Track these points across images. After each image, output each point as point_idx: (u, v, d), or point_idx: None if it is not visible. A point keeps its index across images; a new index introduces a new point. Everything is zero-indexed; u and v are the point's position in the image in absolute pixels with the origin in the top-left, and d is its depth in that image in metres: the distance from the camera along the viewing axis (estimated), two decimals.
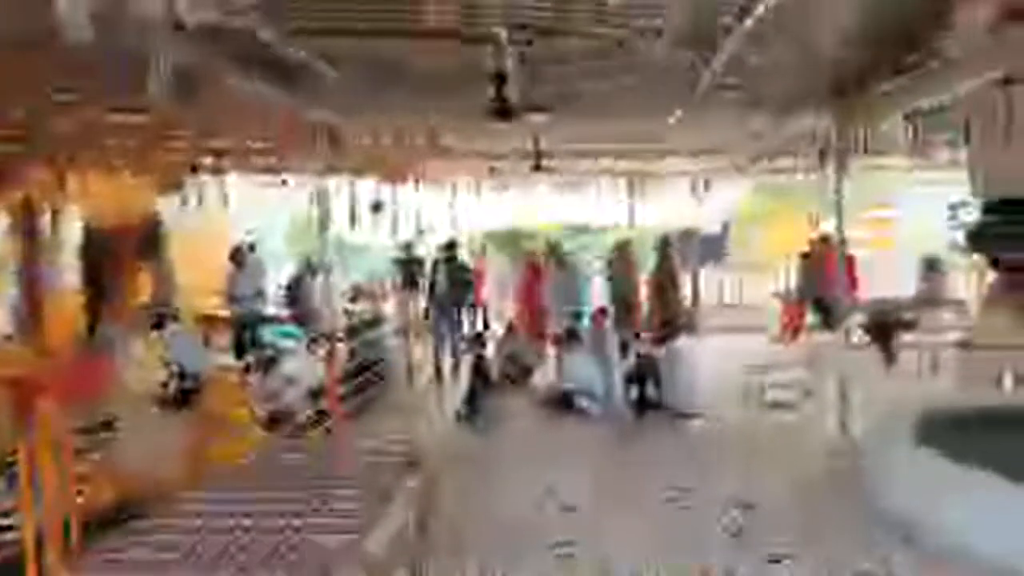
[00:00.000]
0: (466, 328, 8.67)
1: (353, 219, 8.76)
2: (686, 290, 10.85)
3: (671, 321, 8.55)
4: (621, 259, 9.39)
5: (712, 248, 13.86)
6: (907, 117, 5.51)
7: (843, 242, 6.77)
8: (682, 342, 8.47)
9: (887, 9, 4.02)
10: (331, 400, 5.71)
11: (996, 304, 5.33)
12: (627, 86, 5.23)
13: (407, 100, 6.03)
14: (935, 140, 6.39)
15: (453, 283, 7.86)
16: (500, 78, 4.32)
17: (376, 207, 8.71)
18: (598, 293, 9.28)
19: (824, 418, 6.16)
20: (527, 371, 8.28)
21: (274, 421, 5.37)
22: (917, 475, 4.26)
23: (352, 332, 7.35)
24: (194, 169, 8.46)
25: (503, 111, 4.38)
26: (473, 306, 9.80)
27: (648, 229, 11.73)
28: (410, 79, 5.44)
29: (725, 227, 14.80)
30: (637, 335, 8.35)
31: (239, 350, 8.02)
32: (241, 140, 7.60)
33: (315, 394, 5.99)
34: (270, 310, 9.95)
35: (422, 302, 8.43)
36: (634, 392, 6.91)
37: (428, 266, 8.47)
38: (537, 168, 8.01)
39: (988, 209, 4.74)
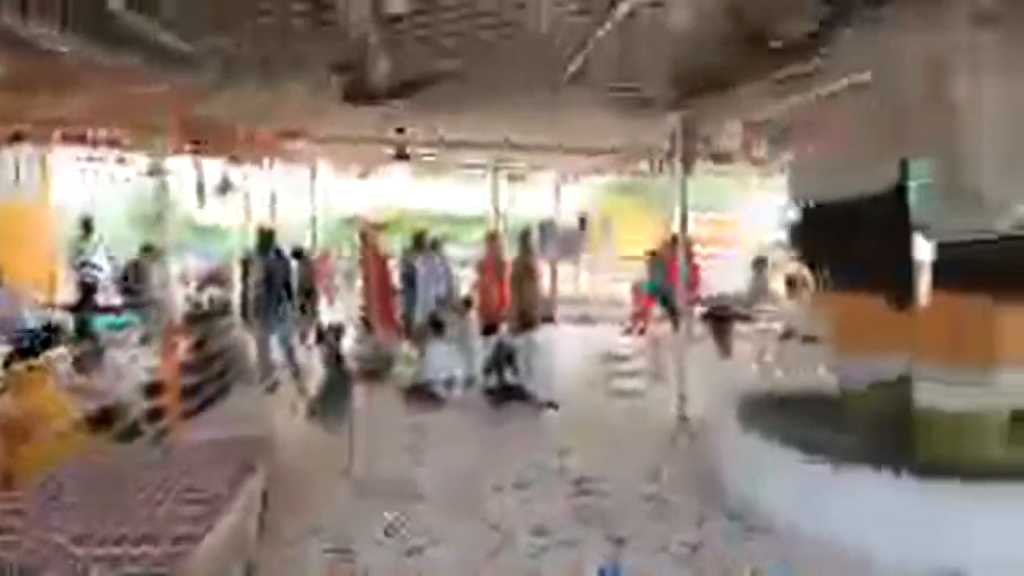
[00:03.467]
0: (294, 320, 7.96)
1: (201, 199, 8.20)
2: (544, 281, 11.18)
3: (529, 311, 8.75)
4: (489, 250, 9.52)
5: (570, 242, 14.33)
6: (748, 125, 6.01)
7: (687, 241, 7.30)
8: (540, 332, 8.74)
9: (741, 16, 4.36)
10: (169, 396, 5.32)
11: (813, 300, 5.93)
12: (492, 76, 5.28)
13: (262, 79, 5.74)
14: (772, 147, 7.00)
15: (269, 275, 7.06)
16: (358, 61, 4.19)
17: (223, 188, 8.17)
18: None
19: (666, 403, 6.57)
20: (387, 362, 8.16)
21: (100, 421, 4.88)
22: (737, 453, 4.71)
23: (195, 321, 6.84)
24: (16, 138, 7.59)
25: (358, 95, 4.26)
26: (310, 293, 9.19)
27: (512, 220, 11.95)
28: (267, 57, 5.19)
29: (583, 222, 15.35)
30: (494, 326, 8.51)
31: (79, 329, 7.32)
32: (76, 110, 6.90)
33: (151, 390, 5.53)
34: (100, 299, 9.16)
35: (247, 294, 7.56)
36: (493, 380, 7.04)
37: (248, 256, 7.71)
38: (400, 156, 7.88)
39: (803, 212, 5.27)
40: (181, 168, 8.80)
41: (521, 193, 12.10)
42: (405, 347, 8.40)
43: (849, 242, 4.82)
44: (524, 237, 9.51)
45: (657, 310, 10.42)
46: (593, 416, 6.55)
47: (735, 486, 4.52)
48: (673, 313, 9.01)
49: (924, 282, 4.63)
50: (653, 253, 10.64)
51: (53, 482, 3.31)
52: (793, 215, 5.71)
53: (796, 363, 7.51)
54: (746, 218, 15.52)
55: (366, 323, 8.73)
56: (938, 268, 4.47)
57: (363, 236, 9.23)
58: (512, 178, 11.45)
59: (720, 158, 8.63)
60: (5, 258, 7.88)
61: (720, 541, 3.87)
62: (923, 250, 4.87)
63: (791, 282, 9.46)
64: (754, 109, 5.61)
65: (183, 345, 6.03)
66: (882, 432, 4.47)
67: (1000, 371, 4.15)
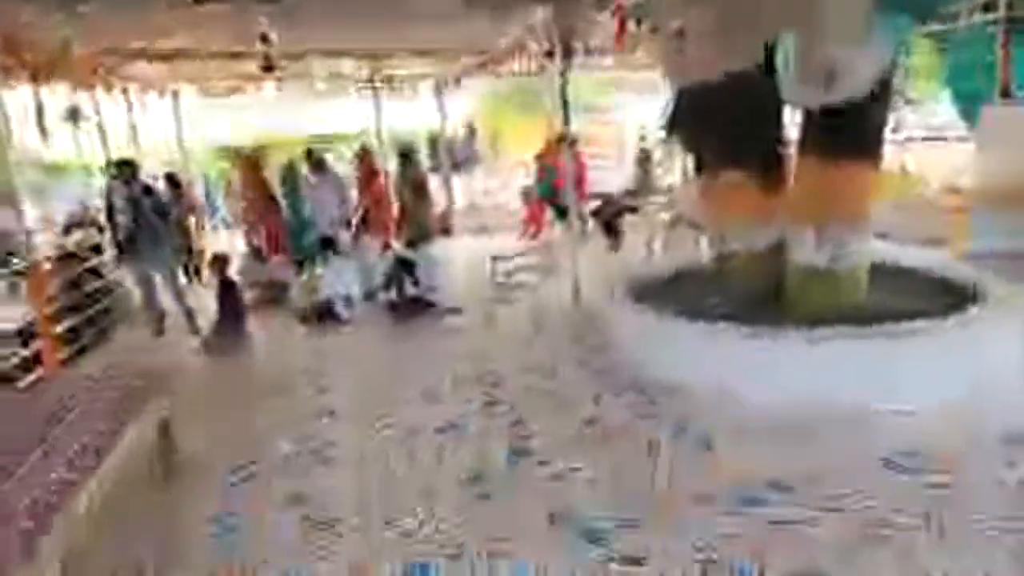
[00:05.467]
0: (174, 252, 7.40)
1: (44, 132, 7.38)
2: (436, 195, 11.12)
3: (421, 224, 8.70)
4: (364, 166, 9.28)
5: (462, 152, 14.17)
6: (614, 12, 5.99)
7: (572, 142, 7.35)
8: (436, 244, 8.74)
9: None
10: (43, 343, 4.99)
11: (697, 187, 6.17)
12: None
13: None
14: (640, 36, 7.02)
15: (137, 206, 6.42)
16: None
17: (73, 115, 7.39)
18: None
19: (561, 294, 6.81)
20: (283, 288, 7.94)
21: None
22: (629, 326, 5.00)
23: (62, 263, 6.35)
24: None
25: None
26: (182, 228, 8.69)
27: (393, 134, 11.59)
28: None
29: (471, 131, 15.14)
30: (387, 243, 8.44)
31: None
32: None
33: (21, 337, 5.15)
34: None
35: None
36: (393, 293, 7.03)
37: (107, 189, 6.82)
38: (267, 69, 7.36)
39: (676, 98, 5.42)
40: (17, 99, 7.91)
41: (398, 105, 11.68)
42: (297, 271, 8.17)
43: (721, 122, 5.04)
44: (405, 151, 9.37)
45: (549, 213, 10.60)
46: (493, 315, 6.70)
47: (627, 357, 4.82)
48: (563, 214, 9.21)
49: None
50: (540, 156, 10.72)
51: None
52: (668, 104, 5.88)
53: (682, 246, 7.93)
54: (625, 115, 15.76)
55: (255, 250, 8.41)
56: (802, 138, 4.79)
57: (246, 160, 8.77)
58: (387, 89, 10.98)
59: (594, 52, 8.63)
60: None
61: (616, 412, 4.14)
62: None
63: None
64: None
65: (52, 288, 5.62)
66: (754, 293, 4.87)
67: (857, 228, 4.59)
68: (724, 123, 5.01)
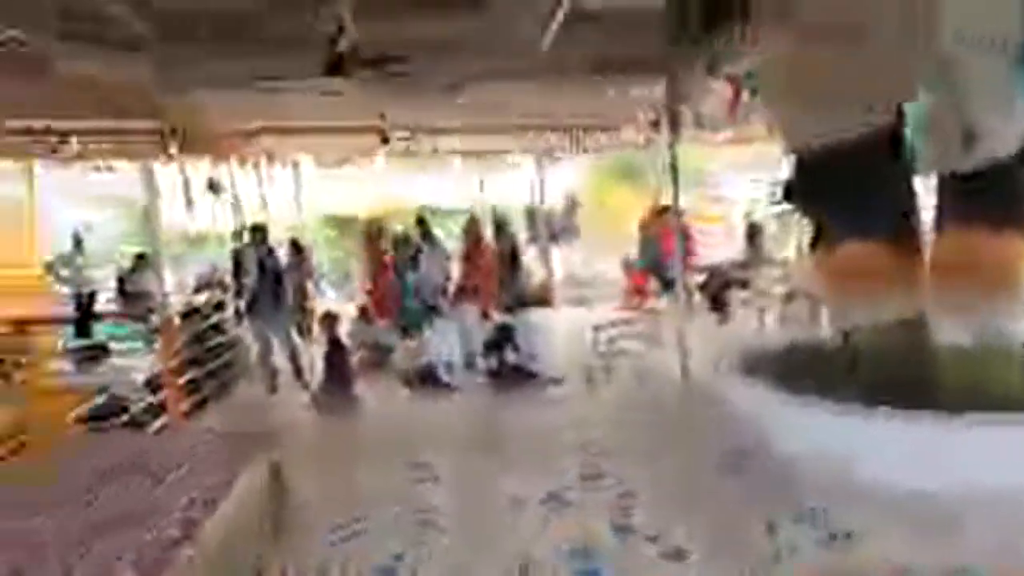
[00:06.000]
0: (290, 313, 7.81)
1: (189, 203, 8.14)
2: (534, 266, 11.24)
3: (521, 293, 8.75)
4: (472, 237, 9.51)
5: (560, 223, 14.28)
6: (729, 80, 5.92)
7: (679, 212, 7.18)
8: (536, 314, 8.71)
9: None
10: (169, 390, 5.27)
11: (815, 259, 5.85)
12: (468, 49, 5.20)
13: (239, 69, 5.64)
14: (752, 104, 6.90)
15: (263, 268, 6.91)
16: (337, 31, 4.12)
17: (213, 186, 8.08)
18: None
19: (667, 364, 6.52)
20: (387, 351, 8.11)
21: (101, 418, 4.83)
22: (745, 403, 4.67)
23: (190, 318, 6.79)
24: None
25: (338, 65, 4.18)
26: (301, 290, 9.12)
27: (493, 207, 11.80)
28: (241, 44, 5.10)
29: (572, 203, 15.24)
30: (487, 312, 8.47)
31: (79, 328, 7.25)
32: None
33: (150, 385, 5.48)
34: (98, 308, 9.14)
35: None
36: (493, 361, 6.99)
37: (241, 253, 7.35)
38: (384, 141, 7.79)
39: (796, 163, 5.21)
40: (165, 174, 8.77)
41: (499, 178, 11.99)
42: (401, 335, 8.33)
43: (846, 188, 4.78)
44: (500, 223, 9.57)
45: (653, 285, 10.39)
46: (597, 385, 6.50)
47: (741, 431, 4.49)
48: (668, 285, 8.99)
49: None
50: (643, 227, 10.62)
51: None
52: (785, 173, 5.68)
53: (798, 321, 7.49)
54: (734, 188, 15.43)
55: (363, 313, 8.67)
56: (939, 205, 4.47)
57: (373, 231, 9.24)
58: (493, 161, 11.29)
59: (704, 124, 8.55)
60: None
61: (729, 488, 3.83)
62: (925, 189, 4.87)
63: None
64: (732, 60, 5.50)
65: (180, 342, 5.98)
66: (885, 372, 4.45)
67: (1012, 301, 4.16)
68: (849, 189, 4.75)
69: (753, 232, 10.45)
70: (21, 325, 5.72)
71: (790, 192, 5.78)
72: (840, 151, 4.64)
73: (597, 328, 7.78)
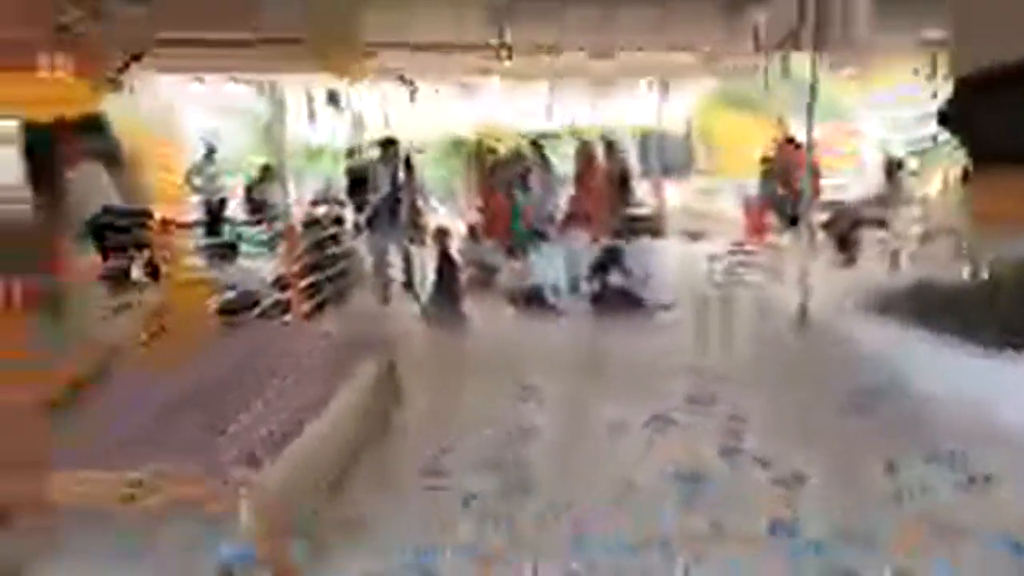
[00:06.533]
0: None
1: (312, 116, 8.41)
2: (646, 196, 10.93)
3: (630, 217, 8.57)
4: (585, 161, 9.32)
5: (676, 154, 13.68)
6: None
7: (811, 145, 6.59)
8: (646, 240, 8.51)
9: None
10: (292, 291, 5.58)
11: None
12: None
13: None
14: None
15: (395, 184, 7.18)
16: None
17: (333, 98, 8.28)
18: None
19: (789, 299, 6.11)
20: (493, 271, 8.20)
21: (231, 311, 5.20)
22: (876, 342, 4.39)
23: (311, 226, 7.12)
24: (134, 60, 7.91)
25: None
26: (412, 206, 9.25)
27: (603, 129, 11.40)
28: None
29: (688, 131, 14.48)
30: (595, 237, 8.32)
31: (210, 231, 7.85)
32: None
33: (277, 284, 5.85)
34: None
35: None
36: (597, 284, 6.90)
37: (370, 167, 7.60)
38: (508, 58, 7.63)
39: (963, 85, 4.68)
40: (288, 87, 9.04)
41: (616, 102, 11.49)
42: (507, 256, 8.37)
43: (1008, 112, 4.26)
44: (610, 146, 9.26)
45: (774, 221, 9.83)
46: (710, 314, 6.29)
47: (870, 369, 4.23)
48: (793, 223, 8.48)
49: None
50: (765, 159, 9.99)
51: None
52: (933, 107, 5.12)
53: (936, 262, 6.86)
54: (868, 120, 14.12)
55: (472, 231, 8.76)
56: None
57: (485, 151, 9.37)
58: (601, 85, 10.79)
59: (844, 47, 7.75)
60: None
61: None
62: None
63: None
64: None
65: (301, 247, 6.28)
66: None
67: None
68: (1011, 111, 4.24)
69: (892, 169, 9.59)
70: (166, 224, 6.23)
71: (945, 118, 5.26)
72: (1004, 74, 4.15)
73: (713, 258, 7.49)
